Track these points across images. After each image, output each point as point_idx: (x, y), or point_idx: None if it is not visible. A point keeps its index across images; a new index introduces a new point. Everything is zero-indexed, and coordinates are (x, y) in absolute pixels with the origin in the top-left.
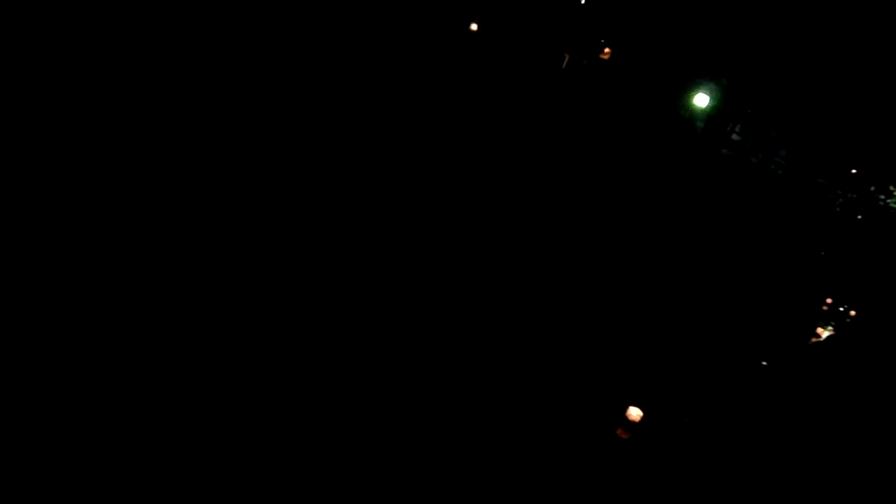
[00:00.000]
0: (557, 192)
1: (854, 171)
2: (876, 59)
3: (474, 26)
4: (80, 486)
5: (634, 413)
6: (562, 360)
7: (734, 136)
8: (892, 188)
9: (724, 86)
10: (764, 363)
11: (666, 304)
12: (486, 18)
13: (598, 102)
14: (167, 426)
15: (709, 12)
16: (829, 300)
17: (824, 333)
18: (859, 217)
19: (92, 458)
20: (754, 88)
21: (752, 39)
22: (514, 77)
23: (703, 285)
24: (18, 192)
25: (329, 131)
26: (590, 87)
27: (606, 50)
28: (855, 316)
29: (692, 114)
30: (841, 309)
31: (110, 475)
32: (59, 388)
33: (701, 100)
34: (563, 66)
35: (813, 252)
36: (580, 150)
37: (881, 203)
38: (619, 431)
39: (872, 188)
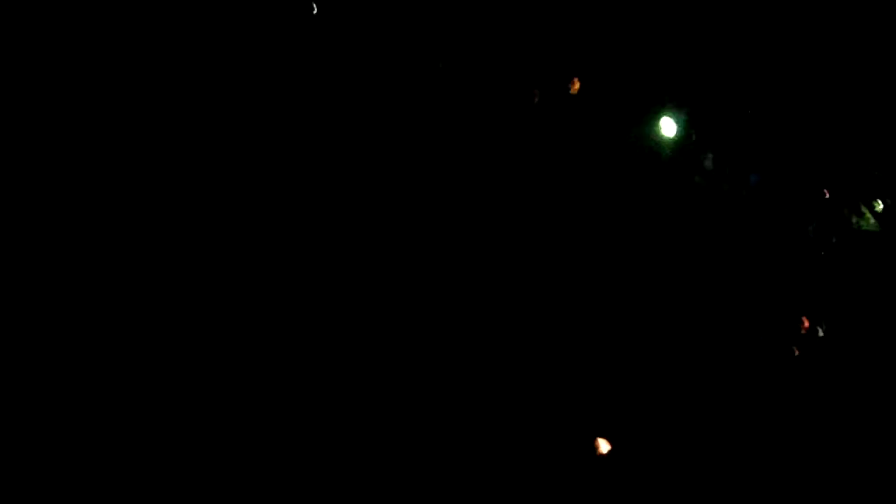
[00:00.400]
0: (530, 222)
1: (827, 194)
2: (848, 83)
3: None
4: (80, 486)
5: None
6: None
7: (707, 164)
8: (863, 210)
9: (690, 113)
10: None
11: (636, 331)
12: (454, 55)
13: (567, 136)
14: (167, 426)
15: (674, 39)
16: (806, 322)
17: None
18: (833, 240)
19: (92, 458)
20: (721, 115)
21: (718, 65)
22: (483, 114)
23: (675, 311)
24: (18, 192)
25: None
26: (559, 122)
27: (576, 84)
28: (829, 335)
29: (658, 142)
30: (818, 330)
31: (110, 475)
32: (59, 388)
33: (668, 127)
34: (535, 101)
35: (787, 275)
36: (551, 180)
37: (854, 226)
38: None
39: (845, 210)
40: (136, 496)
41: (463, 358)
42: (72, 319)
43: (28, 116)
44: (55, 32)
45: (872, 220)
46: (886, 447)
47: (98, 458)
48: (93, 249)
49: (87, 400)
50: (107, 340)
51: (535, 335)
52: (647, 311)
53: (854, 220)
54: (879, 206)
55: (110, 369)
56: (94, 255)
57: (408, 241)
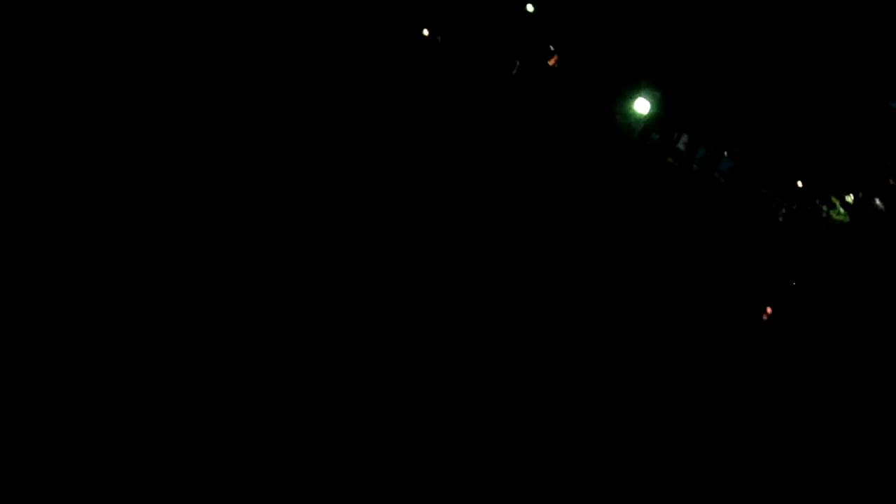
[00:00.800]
0: (503, 194)
1: (800, 183)
2: (823, 74)
3: (426, 31)
4: (80, 486)
5: None
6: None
7: (680, 146)
8: (834, 200)
9: (664, 93)
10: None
11: (600, 312)
12: (439, 24)
13: (544, 108)
14: (167, 426)
15: (651, 20)
16: (769, 310)
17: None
18: (801, 228)
19: (92, 458)
20: (695, 96)
21: (692, 47)
22: (467, 81)
23: (639, 295)
24: (18, 191)
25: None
26: (537, 93)
27: (554, 57)
28: (793, 324)
29: (633, 120)
30: (781, 317)
31: (110, 475)
32: (60, 388)
33: (641, 106)
34: (514, 71)
35: (754, 261)
36: (526, 153)
37: (824, 215)
38: None
39: (817, 201)
40: (136, 496)
41: (460, 356)
42: (72, 319)
43: (28, 116)
44: (55, 32)
45: (843, 212)
46: (847, 430)
47: (98, 458)
48: (93, 249)
49: (86, 400)
50: (107, 340)
51: (508, 310)
52: (616, 291)
53: (825, 210)
54: (850, 198)
55: (110, 369)
56: (95, 255)
57: (398, 227)
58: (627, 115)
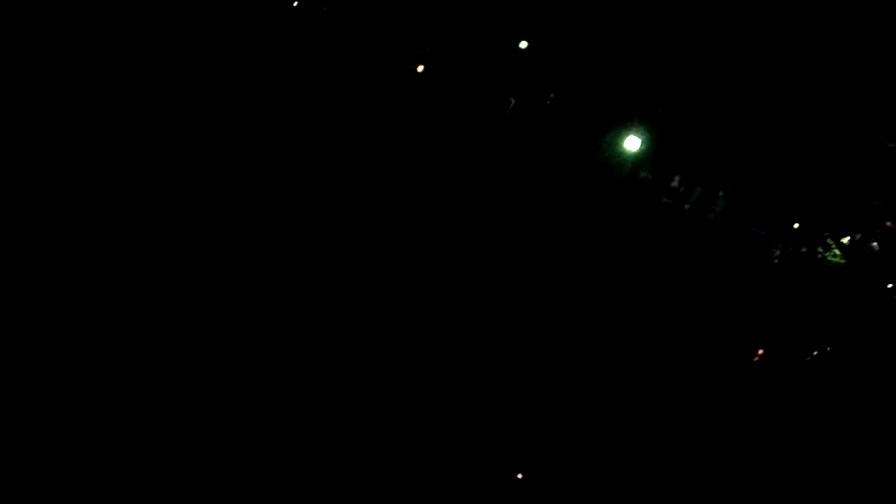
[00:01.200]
0: (496, 230)
1: (796, 224)
2: (820, 113)
3: (421, 67)
4: (80, 486)
5: None
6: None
7: (674, 184)
8: (830, 242)
9: (656, 130)
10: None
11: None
12: (434, 60)
13: (538, 145)
14: (167, 426)
15: (645, 57)
16: (760, 351)
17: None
18: (796, 270)
19: (92, 458)
20: (688, 133)
21: (686, 83)
22: (461, 119)
23: (629, 338)
24: (19, 191)
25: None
26: (532, 130)
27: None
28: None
29: (622, 157)
30: (774, 359)
31: (110, 475)
32: (61, 388)
33: (632, 143)
34: (509, 110)
35: (746, 302)
36: (520, 190)
37: (819, 257)
38: None
39: (811, 243)
40: (137, 496)
41: (455, 354)
42: (72, 319)
43: (28, 117)
44: (56, 33)
45: (839, 253)
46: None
47: (98, 458)
48: (93, 249)
49: (87, 399)
50: (107, 340)
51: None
52: (606, 334)
53: (820, 251)
54: (846, 240)
55: (110, 369)
56: (95, 255)
57: (392, 238)
58: (618, 152)
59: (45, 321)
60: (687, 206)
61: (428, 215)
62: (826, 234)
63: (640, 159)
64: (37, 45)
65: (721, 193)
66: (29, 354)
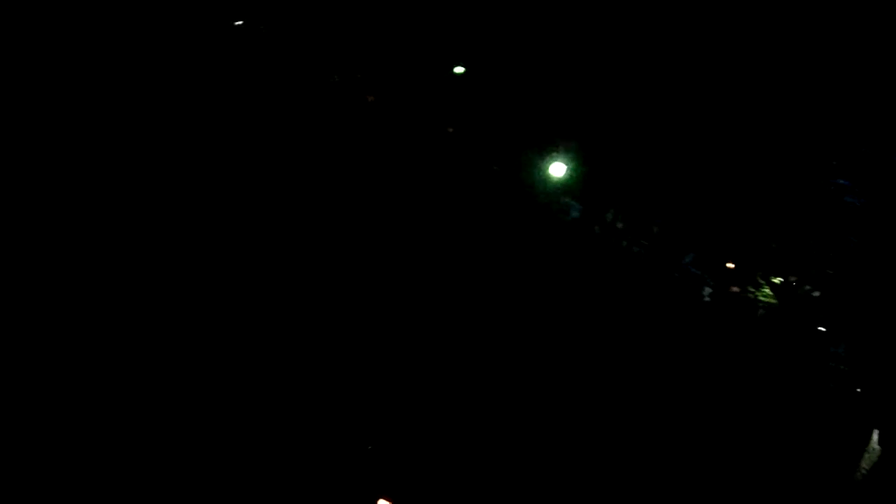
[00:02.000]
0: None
1: (731, 265)
2: (761, 148)
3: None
4: (80, 486)
5: None
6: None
7: (608, 216)
8: (759, 280)
9: (583, 155)
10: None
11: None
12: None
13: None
14: (167, 426)
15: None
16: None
17: None
18: (731, 310)
19: (92, 458)
20: (614, 160)
21: (620, 106)
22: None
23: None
24: (18, 192)
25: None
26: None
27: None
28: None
29: (547, 183)
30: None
31: (110, 475)
32: (60, 388)
33: (557, 169)
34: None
35: (678, 339)
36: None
37: (749, 295)
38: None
39: (743, 282)
40: (137, 496)
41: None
42: (72, 319)
43: (28, 117)
44: (55, 33)
45: (769, 293)
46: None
47: (98, 458)
48: (93, 250)
49: (87, 400)
50: (107, 340)
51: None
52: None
53: (752, 291)
54: (778, 280)
55: (111, 369)
56: (95, 255)
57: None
58: (544, 179)
59: (45, 321)
60: (624, 243)
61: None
62: (758, 272)
63: (566, 185)
64: (37, 45)
65: (655, 229)
66: (29, 354)
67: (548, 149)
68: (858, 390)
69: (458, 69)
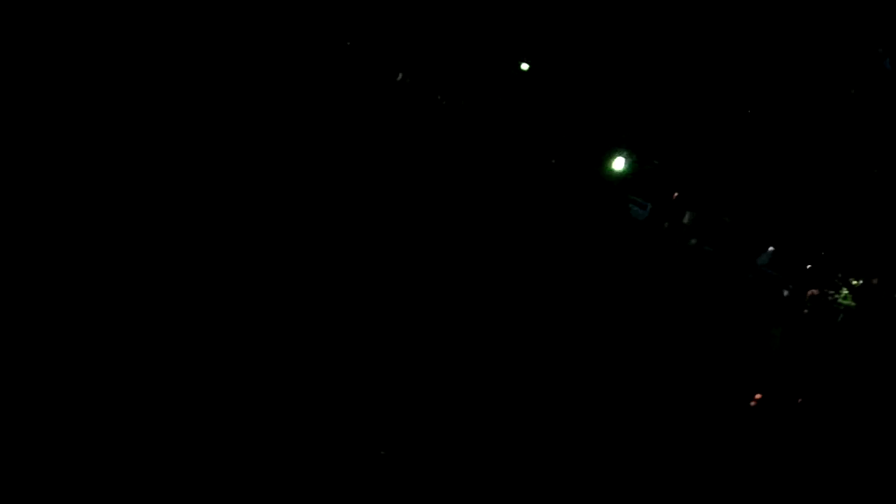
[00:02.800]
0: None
1: (808, 266)
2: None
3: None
4: (80, 486)
5: None
6: None
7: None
8: (840, 284)
9: (634, 153)
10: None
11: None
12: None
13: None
14: (167, 426)
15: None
16: (758, 396)
17: None
18: (814, 313)
19: (92, 458)
20: (677, 153)
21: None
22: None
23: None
24: (18, 192)
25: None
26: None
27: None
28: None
29: (610, 178)
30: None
31: (110, 475)
32: (60, 389)
33: (618, 164)
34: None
35: (746, 344)
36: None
37: (831, 299)
38: None
39: (823, 285)
40: (136, 496)
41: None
42: (72, 319)
43: (28, 117)
44: (56, 33)
45: (848, 295)
46: None
47: (98, 458)
48: (94, 250)
49: (87, 400)
50: (107, 341)
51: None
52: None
53: (831, 293)
54: (857, 282)
55: (110, 369)
56: (95, 255)
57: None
58: (607, 174)
59: (45, 321)
60: (693, 242)
61: (432, 221)
62: (838, 275)
63: (624, 179)
64: (37, 45)
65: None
66: (28, 354)
67: (611, 143)
68: None
69: (524, 66)
